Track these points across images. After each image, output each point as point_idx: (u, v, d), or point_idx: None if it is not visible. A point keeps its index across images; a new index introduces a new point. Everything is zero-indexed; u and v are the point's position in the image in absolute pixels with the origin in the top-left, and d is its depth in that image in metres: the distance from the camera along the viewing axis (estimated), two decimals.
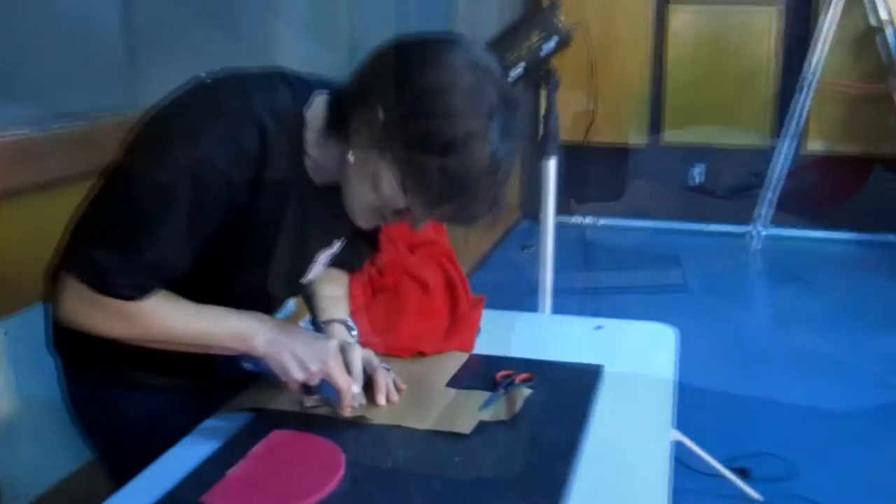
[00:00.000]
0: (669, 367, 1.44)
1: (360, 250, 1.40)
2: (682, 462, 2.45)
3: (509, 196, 1.09)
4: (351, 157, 1.05)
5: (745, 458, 2.62)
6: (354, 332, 1.33)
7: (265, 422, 1.19)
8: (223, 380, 1.27)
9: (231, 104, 1.04)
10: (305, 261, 1.24)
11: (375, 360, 1.27)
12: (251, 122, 1.04)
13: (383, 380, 1.24)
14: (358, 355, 1.20)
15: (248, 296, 1.18)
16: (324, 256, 1.27)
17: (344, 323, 1.33)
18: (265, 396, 1.25)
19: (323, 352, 1.15)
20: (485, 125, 0.99)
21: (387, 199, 1.04)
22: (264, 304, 1.23)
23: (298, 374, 1.13)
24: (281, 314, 1.36)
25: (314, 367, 1.13)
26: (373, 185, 1.04)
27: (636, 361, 1.46)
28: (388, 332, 1.45)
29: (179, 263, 1.07)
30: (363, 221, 1.11)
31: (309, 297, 1.37)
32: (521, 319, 1.73)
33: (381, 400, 1.23)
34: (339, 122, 1.07)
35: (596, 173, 5.10)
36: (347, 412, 1.18)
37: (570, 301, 2.71)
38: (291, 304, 1.51)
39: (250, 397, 1.26)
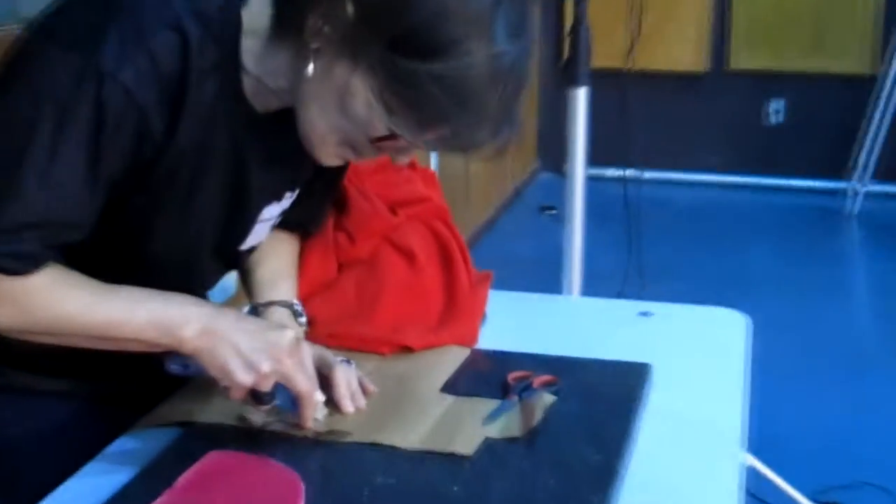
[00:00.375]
0: (739, 367, 1.44)
1: (318, 204, 1.41)
2: (754, 495, 2.47)
3: (523, 130, 1.11)
4: (310, 70, 1.05)
5: (838, 491, 2.64)
6: (303, 319, 1.34)
7: (197, 440, 1.18)
8: (140, 384, 1.27)
9: (139, 2, 1.04)
10: (245, 219, 1.24)
11: (331, 357, 1.27)
12: (167, 25, 1.03)
13: (344, 379, 1.25)
14: (308, 352, 1.20)
15: (168, 269, 1.19)
16: (270, 213, 1.26)
17: (289, 306, 1.33)
18: (197, 406, 1.25)
19: (277, 346, 1.14)
20: (486, 18, 1.00)
21: (361, 122, 1.05)
22: (190, 280, 1.23)
23: (244, 378, 1.13)
24: (216, 295, 1.37)
25: (265, 367, 1.13)
26: (340, 105, 1.05)
27: (695, 359, 1.46)
28: (361, 320, 1.44)
29: (76, 219, 1.07)
30: (327, 156, 1.12)
31: (244, 273, 1.37)
32: (542, 303, 1.74)
33: (347, 406, 1.24)
34: (291, 23, 1.06)
35: (640, 109, 5.07)
36: (309, 426, 1.19)
37: (607, 279, 2.72)
38: (231, 282, 1.51)
39: (177, 408, 1.26)
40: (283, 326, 1.22)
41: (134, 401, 1.27)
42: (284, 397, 1.19)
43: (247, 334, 1.13)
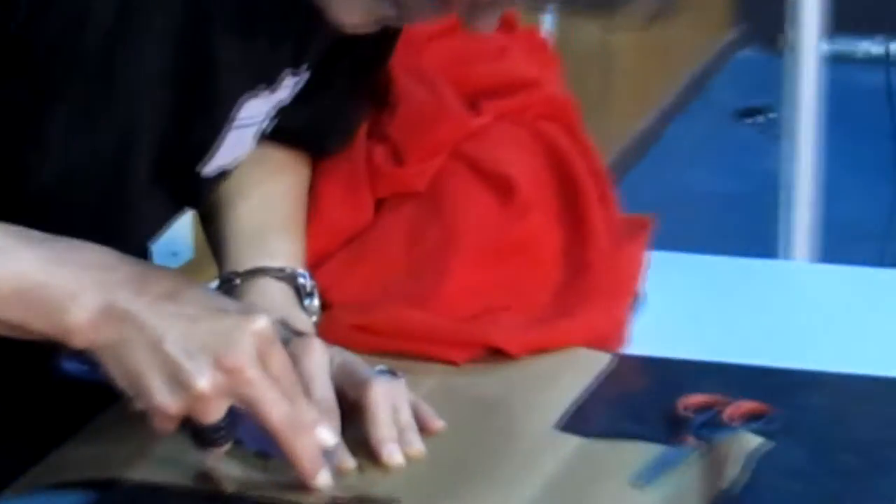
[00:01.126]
0: None
1: (342, 102, 1.48)
2: None
3: None
4: None
5: None
6: (314, 302, 1.39)
7: None
8: (25, 403, 1.33)
9: None
10: (208, 120, 1.28)
11: (363, 367, 1.30)
12: None
13: (386, 407, 1.27)
14: (321, 359, 1.24)
15: (73, 207, 1.25)
16: (255, 111, 1.28)
17: (288, 277, 1.39)
18: (125, 450, 1.27)
19: (231, 344, 1.14)
20: None
21: None
22: (109, 226, 1.26)
23: (164, 399, 1.13)
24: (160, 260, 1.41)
25: (201, 383, 1.12)
26: None
27: None
28: (416, 303, 1.48)
29: None
30: (352, 16, 1.17)
31: (210, 217, 1.42)
32: (743, 272, 1.80)
33: (392, 453, 1.26)
34: None
35: None
36: (319, 486, 1.19)
37: (860, 234, 2.69)
38: (186, 233, 1.51)
39: (90, 453, 1.29)
40: (251, 309, 1.23)
41: (15, 437, 1.31)
42: (254, 434, 1.20)
43: (181, 321, 1.14)
